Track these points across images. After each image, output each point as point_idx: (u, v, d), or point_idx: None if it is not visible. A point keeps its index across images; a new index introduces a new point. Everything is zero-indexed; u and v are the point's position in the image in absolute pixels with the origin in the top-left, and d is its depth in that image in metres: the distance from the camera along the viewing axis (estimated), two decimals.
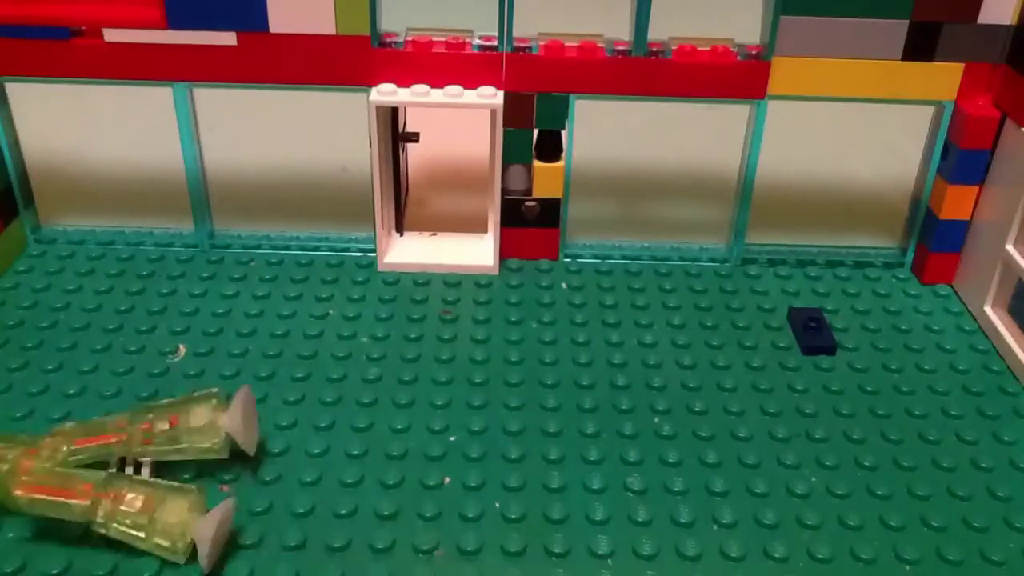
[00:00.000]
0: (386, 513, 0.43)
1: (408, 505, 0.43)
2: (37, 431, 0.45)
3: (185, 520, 0.40)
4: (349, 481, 0.44)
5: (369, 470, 0.45)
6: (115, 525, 0.40)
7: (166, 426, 0.43)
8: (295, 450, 0.46)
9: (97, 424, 0.43)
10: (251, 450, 0.44)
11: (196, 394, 0.45)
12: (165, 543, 0.40)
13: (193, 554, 0.40)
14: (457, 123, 0.63)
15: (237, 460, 0.45)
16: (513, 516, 0.43)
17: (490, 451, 0.46)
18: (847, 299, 0.58)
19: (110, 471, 0.41)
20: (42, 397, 0.48)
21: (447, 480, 0.44)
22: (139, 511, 0.40)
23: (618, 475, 0.45)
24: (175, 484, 0.41)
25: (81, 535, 0.41)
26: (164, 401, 0.45)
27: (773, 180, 0.62)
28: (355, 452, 0.46)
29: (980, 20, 0.54)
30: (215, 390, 0.45)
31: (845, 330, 0.55)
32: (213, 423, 0.43)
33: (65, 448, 0.42)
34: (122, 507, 0.40)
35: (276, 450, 0.45)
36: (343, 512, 0.42)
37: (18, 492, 0.39)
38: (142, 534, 0.40)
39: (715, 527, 0.43)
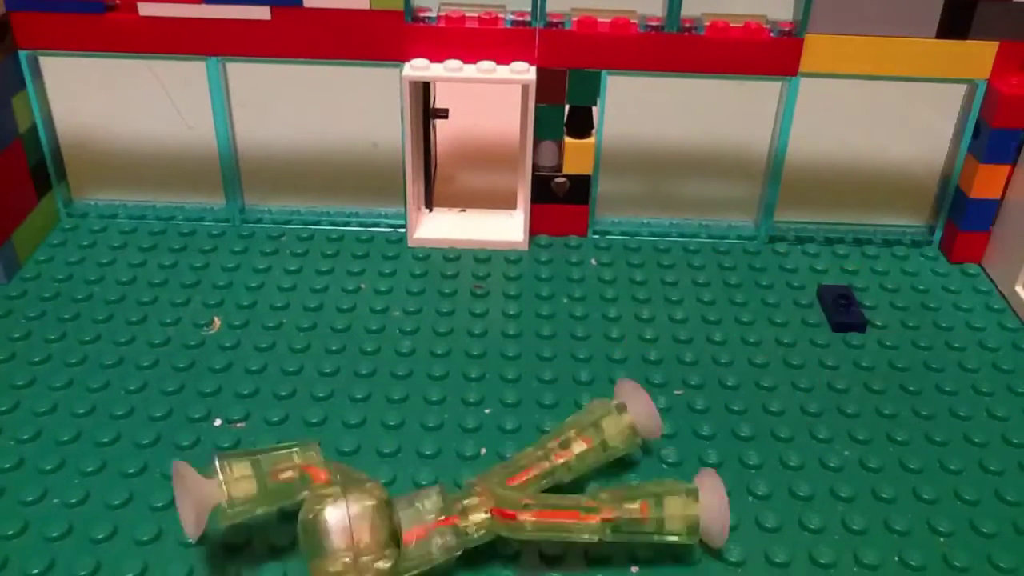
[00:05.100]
0: (424, 483, 0.43)
1: (446, 475, 0.43)
2: (75, 401, 0.46)
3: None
4: (386, 451, 0.44)
5: (406, 440, 0.45)
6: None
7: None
8: (332, 421, 0.46)
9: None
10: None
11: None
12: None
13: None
14: (484, 99, 0.64)
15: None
16: None
17: (525, 423, 0.46)
18: (875, 277, 0.58)
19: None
20: (79, 368, 0.49)
21: (483, 451, 0.45)
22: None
23: (652, 447, 0.45)
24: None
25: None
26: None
27: (802, 158, 0.62)
28: (391, 423, 0.46)
29: None
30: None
31: (874, 308, 0.55)
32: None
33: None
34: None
35: (314, 420, 0.46)
36: (382, 482, 0.43)
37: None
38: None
39: (750, 499, 0.43)
